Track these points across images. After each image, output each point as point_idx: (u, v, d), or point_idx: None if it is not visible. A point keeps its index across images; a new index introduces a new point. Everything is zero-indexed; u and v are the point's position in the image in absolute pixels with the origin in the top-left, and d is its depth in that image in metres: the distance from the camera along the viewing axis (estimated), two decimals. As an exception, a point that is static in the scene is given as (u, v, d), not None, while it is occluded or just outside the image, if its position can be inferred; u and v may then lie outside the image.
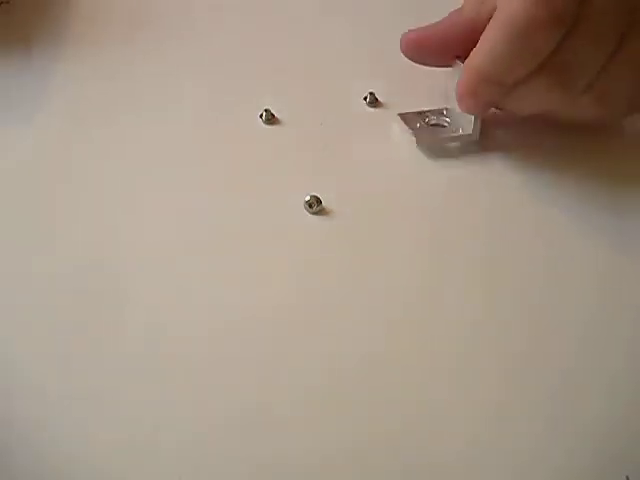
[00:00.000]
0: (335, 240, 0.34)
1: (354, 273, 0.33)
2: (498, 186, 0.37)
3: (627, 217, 0.36)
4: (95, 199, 0.36)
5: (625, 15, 0.34)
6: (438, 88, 0.40)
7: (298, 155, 0.39)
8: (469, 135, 0.38)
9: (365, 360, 0.29)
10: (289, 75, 0.45)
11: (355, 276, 0.33)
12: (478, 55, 0.36)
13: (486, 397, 0.28)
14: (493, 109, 0.39)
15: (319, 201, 0.35)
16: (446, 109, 0.40)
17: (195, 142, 0.40)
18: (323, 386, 0.29)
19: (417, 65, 0.40)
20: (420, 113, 0.40)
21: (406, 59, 0.40)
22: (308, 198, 0.35)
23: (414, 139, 0.38)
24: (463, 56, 0.38)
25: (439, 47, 0.39)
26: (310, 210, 0.35)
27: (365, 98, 0.42)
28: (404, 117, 0.40)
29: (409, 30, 0.40)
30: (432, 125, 0.39)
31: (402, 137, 0.39)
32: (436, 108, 0.40)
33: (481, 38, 0.36)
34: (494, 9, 0.36)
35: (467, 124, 0.38)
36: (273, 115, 0.41)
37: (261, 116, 0.41)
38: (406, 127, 0.39)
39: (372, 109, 0.42)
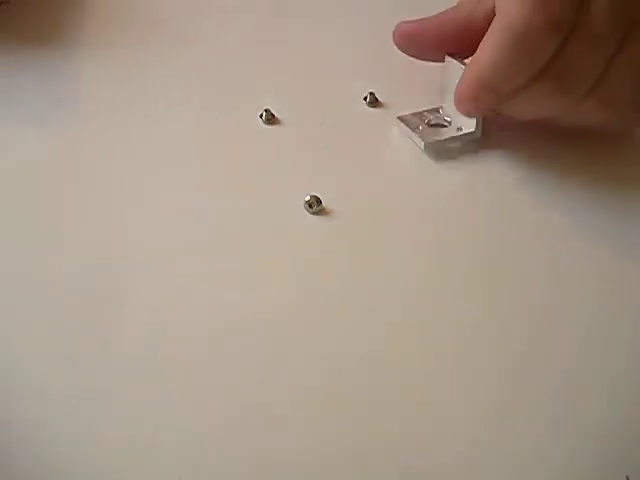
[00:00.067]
0: (335, 240, 0.34)
1: (354, 273, 0.33)
2: (499, 186, 0.37)
3: (628, 218, 0.36)
4: (101, 199, 0.36)
5: (623, 18, 0.34)
6: (436, 87, 0.40)
7: (298, 155, 0.39)
8: (472, 133, 0.38)
9: (365, 360, 0.29)
10: (289, 75, 0.45)
11: (355, 276, 0.33)
12: (478, 62, 0.36)
13: (487, 397, 0.28)
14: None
15: (319, 201, 0.35)
16: (442, 107, 0.40)
17: (195, 142, 0.40)
18: (323, 386, 0.29)
19: (417, 65, 0.40)
20: (418, 114, 0.40)
21: (406, 59, 0.40)
22: (308, 198, 0.35)
23: (419, 142, 0.38)
24: (455, 53, 0.38)
25: (432, 41, 0.39)
26: (310, 210, 0.35)
27: (365, 98, 0.42)
28: (404, 120, 0.40)
29: (403, 21, 0.40)
30: (432, 125, 0.39)
31: (402, 137, 0.39)
32: (432, 107, 0.40)
33: (480, 45, 0.36)
34: (490, 10, 0.36)
35: (468, 120, 0.38)
36: (273, 115, 0.41)
37: (261, 116, 0.41)
38: (409, 130, 0.39)
39: (372, 109, 0.42)
